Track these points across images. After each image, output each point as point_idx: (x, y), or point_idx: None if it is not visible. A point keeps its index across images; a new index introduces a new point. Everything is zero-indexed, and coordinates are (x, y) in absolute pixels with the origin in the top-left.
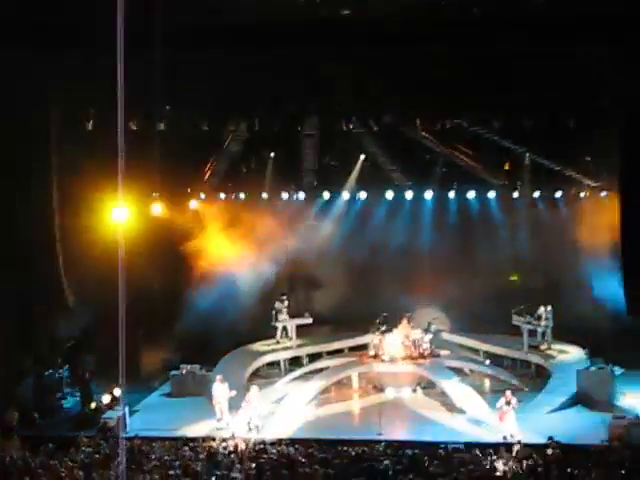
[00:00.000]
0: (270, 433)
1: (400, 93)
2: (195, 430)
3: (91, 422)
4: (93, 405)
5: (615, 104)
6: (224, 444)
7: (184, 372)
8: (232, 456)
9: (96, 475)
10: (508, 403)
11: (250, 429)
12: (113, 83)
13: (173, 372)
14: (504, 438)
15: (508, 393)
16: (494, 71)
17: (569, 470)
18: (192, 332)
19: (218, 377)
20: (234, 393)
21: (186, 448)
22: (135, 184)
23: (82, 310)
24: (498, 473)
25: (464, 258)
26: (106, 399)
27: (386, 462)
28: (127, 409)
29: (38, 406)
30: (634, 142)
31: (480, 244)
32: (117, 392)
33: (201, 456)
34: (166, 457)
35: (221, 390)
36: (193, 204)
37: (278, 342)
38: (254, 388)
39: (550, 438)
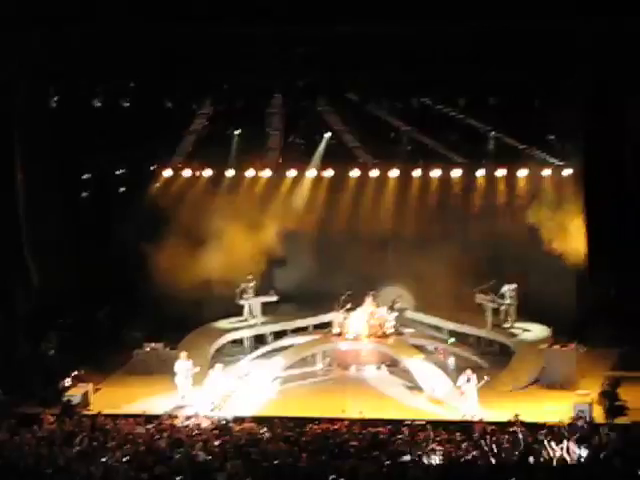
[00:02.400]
0: (234, 411)
1: (366, 70)
2: (159, 408)
3: (55, 399)
4: (57, 382)
5: (580, 83)
6: (187, 422)
7: (148, 350)
8: (195, 434)
9: (59, 452)
10: (468, 381)
11: (213, 408)
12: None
13: (137, 350)
14: (463, 416)
15: (468, 371)
16: (460, 48)
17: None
18: (156, 310)
19: (182, 354)
20: (197, 369)
21: (150, 426)
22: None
23: (46, 287)
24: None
25: (428, 236)
26: (69, 376)
27: (350, 440)
28: (90, 386)
29: (1, 383)
30: (598, 121)
31: (445, 222)
32: (80, 370)
33: (165, 434)
34: (129, 435)
35: (185, 367)
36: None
37: (245, 320)
38: (218, 366)
39: (516, 416)
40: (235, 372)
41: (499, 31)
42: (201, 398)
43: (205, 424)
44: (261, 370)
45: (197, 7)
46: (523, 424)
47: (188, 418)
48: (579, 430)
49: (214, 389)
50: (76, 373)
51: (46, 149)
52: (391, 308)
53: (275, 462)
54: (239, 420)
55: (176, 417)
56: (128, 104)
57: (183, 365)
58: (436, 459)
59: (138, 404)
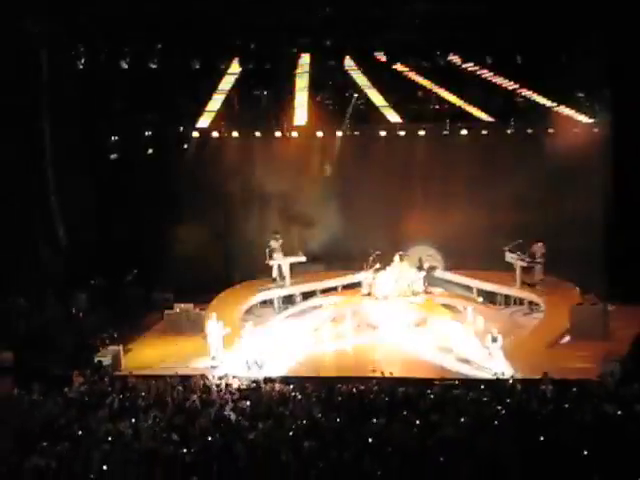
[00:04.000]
0: (265, 372)
1: (393, 30)
2: (189, 369)
3: (85, 361)
4: (87, 344)
5: (604, 38)
6: (218, 382)
7: (178, 311)
8: (226, 394)
9: (90, 413)
10: (495, 340)
11: (249, 367)
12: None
13: (167, 311)
14: (494, 374)
15: (494, 330)
16: (485, 6)
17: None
18: (186, 270)
19: (212, 314)
20: (229, 331)
21: (180, 386)
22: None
23: (75, 250)
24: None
25: (457, 195)
26: (100, 338)
27: (380, 399)
28: (121, 347)
29: (32, 345)
30: (625, 76)
31: (473, 181)
32: (111, 331)
33: (195, 394)
34: (160, 395)
35: (215, 328)
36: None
37: (274, 280)
38: (249, 324)
39: (545, 374)
40: (265, 332)
41: None
42: (234, 358)
43: (236, 384)
44: (290, 331)
45: None
46: (552, 382)
47: (219, 378)
48: (608, 387)
49: (247, 349)
50: (106, 334)
51: (74, 112)
52: (420, 267)
53: (305, 421)
54: (269, 381)
55: (207, 377)
56: (155, 66)
57: (213, 326)
58: (465, 418)
59: (169, 365)
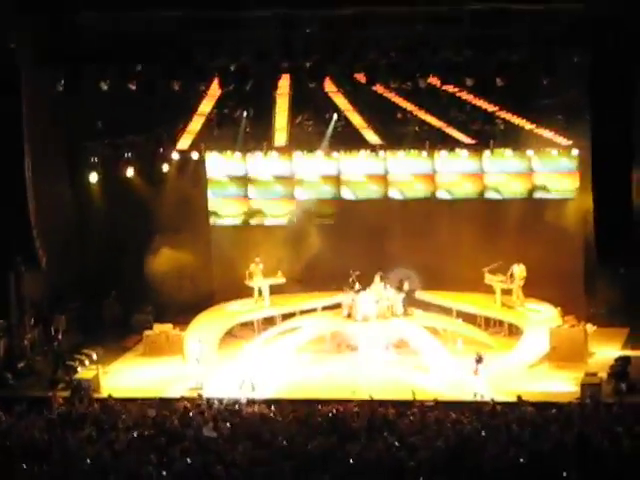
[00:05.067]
0: (255, 393)
1: (373, 51)
2: (169, 390)
3: (64, 382)
4: (66, 366)
5: (585, 59)
6: (198, 403)
7: (158, 332)
8: (206, 415)
9: (69, 435)
10: (479, 361)
11: (241, 387)
12: None
13: (146, 332)
14: (474, 396)
15: (480, 351)
16: (466, 29)
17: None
18: (165, 292)
19: (193, 335)
20: (208, 351)
21: (160, 408)
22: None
23: (53, 271)
24: None
25: (437, 217)
26: (79, 360)
27: (359, 421)
28: (100, 369)
29: (11, 367)
30: (605, 99)
31: (452, 203)
32: (90, 352)
33: (175, 416)
34: (139, 417)
35: (195, 349)
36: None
37: (254, 302)
38: (247, 346)
39: (519, 397)
40: (245, 355)
41: (503, 10)
42: (224, 378)
43: (216, 406)
44: (270, 352)
45: None
46: (532, 404)
47: (199, 399)
48: (588, 410)
49: (242, 370)
50: (85, 352)
51: (53, 134)
52: (399, 289)
53: (285, 443)
54: (250, 402)
55: (187, 400)
56: (134, 87)
57: (194, 347)
58: (445, 440)
59: (148, 386)
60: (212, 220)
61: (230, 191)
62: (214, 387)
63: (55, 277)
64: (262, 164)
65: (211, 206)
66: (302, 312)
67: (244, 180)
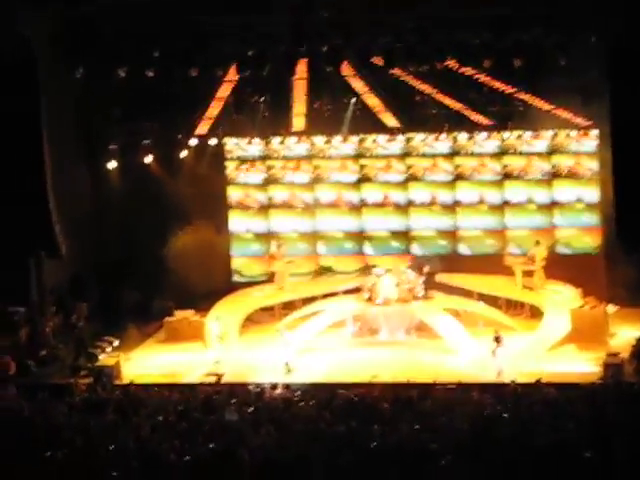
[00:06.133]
0: (267, 377)
1: (389, 34)
2: (191, 376)
3: (86, 369)
4: (87, 353)
5: (601, 39)
6: (220, 388)
7: (179, 318)
8: (229, 399)
9: (92, 421)
10: (497, 340)
11: (289, 370)
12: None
13: (167, 318)
14: (498, 375)
15: (498, 331)
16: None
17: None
18: (185, 277)
19: (215, 320)
20: (230, 335)
21: (182, 393)
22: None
23: (73, 259)
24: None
25: (457, 197)
26: (101, 347)
27: (382, 404)
28: (122, 356)
29: (34, 355)
30: (622, 78)
31: (472, 183)
32: (112, 339)
33: (197, 401)
34: (162, 403)
35: (218, 333)
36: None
37: (275, 286)
38: (284, 330)
39: (538, 381)
40: (269, 338)
41: None
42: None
43: (239, 389)
44: (292, 337)
45: None
46: (553, 385)
47: (221, 384)
48: (611, 390)
49: (284, 353)
50: (107, 339)
51: (72, 120)
52: (420, 272)
53: (307, 427)
54: (272, 386)
55: (209, 384)
56: (153, 74)
57: (216, 331)
58: (467, 422)
59: (170, 372)
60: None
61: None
62: (236, 370)
63: (75, 265)
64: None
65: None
66: (323, 296)
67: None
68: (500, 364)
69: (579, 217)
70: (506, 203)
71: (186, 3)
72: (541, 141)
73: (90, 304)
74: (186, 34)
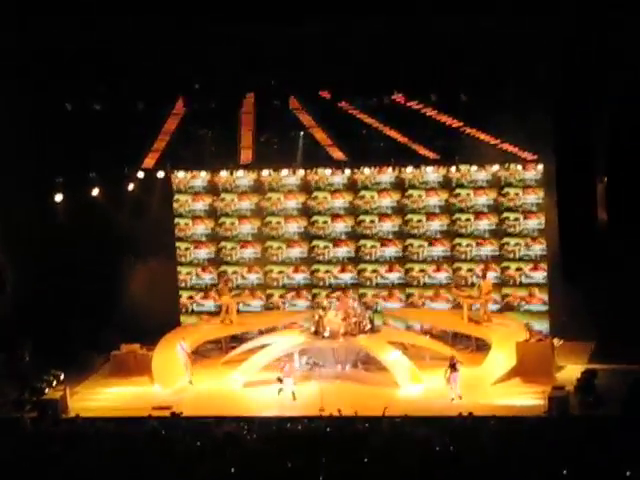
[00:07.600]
0: (213, 410)
1: (337, 69)
2: (136, 409)
3: (31, 404)
4: (32, 387)
5: (550, 75)
6: (167, 421)
7: (125, 351)
8: (177, 432)
9: (38, 454)
10: (453, 367)
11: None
12: None
13: (114, 352)
14: (452, 400)
15: (454, 359)
16: (432, 45)
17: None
18: (132, 311)
19: (180, 342)
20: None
21: (128, 426)
22: (71, 165)
23: (18, 293)
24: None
25: (404, 232)
26: (46, 381)
27: (328, 437)
28: (68, 390)
29: None
30: (568, 114)
31: (418, 218)
32: (58, 373)
33: (143, 433)
34: (108, 436)
35: (181, 352)
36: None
37: (222, 321)
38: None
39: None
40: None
41: (469, 27)
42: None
43: (184, 423)
44: (238, 370)
45: (167, 7)
46: (500, 418)
47: (171, 416)
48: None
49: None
50: (53, 372)
51: (18, 152)
52: (367, 305)
53: (254, 462)
54: (219, 420)
55: (153, 418)
56: (99, 107)
57: (179, 351)
58: (415, 454)
59: (116, 406)
60: None
61: None
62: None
63: (20, 299)
64: None
65: None
66: (267, 330)
67: None
68: (456, 390)
69: (525, 248)
70: (452, 233)
71: (132, 37)
72: (486, 174)
73: (35, 338)
74: (133, 68)
